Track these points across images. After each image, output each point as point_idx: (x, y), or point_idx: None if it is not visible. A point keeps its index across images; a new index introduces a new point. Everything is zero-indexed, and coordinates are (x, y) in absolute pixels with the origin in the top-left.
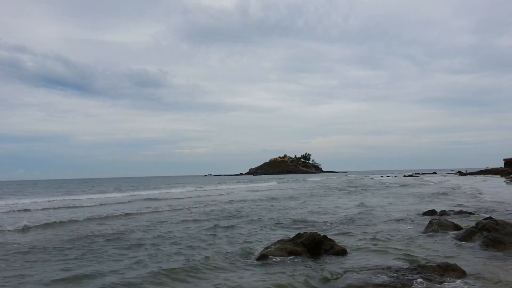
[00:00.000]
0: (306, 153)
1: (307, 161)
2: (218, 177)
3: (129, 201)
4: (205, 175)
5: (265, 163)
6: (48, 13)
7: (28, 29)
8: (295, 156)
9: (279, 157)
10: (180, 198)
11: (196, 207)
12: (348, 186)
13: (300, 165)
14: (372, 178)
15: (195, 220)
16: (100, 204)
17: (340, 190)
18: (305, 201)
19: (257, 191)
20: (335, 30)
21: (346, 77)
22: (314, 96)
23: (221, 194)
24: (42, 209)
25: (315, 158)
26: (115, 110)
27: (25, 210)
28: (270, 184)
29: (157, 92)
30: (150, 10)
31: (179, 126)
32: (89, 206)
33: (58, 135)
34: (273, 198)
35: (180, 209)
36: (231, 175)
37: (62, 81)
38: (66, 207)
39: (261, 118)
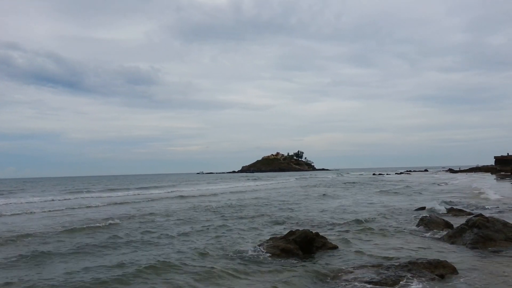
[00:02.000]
0: (298, 151)
1: (300, 159)
2: (215, 175)
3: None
4: (198, 173)
5: (258, 161)
6: (39, 10)
7: (19, 26)
8: (288, 153)
9: (272, 154)
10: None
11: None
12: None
13: (293, 162)
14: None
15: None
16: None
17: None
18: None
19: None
20: (328, 28)
21: (339, 75)
22: (307, 94)
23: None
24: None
25: (307, 156)
26: (107, 108)
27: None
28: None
29: (149, 90)
30: (142, 7)
31: (171, 123)
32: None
33: (49, 133)
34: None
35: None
36: (224, 172)
37: (53, 78)
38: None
39: (254, 115)
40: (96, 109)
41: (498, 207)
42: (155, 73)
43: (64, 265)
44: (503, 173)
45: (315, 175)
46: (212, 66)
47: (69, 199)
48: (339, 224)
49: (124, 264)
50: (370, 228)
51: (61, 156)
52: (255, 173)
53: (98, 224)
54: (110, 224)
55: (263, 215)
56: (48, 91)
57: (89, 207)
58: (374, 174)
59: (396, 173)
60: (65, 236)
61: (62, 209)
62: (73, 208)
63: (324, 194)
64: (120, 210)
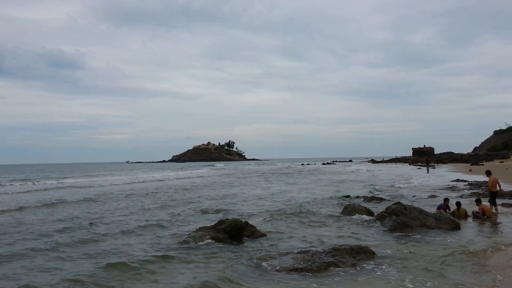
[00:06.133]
0: (230, 141)
1: (231, 149)
2: (145, 164)
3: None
4: (126, 162)
5: (188, 151)
6: None
7: None
8: (219, 143)
9: (203, 144)
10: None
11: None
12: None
13: (224, 152)
14: (315, 164)
15: None
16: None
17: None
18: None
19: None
20: (260, 19)
21: (270, 66)
22: (238, 84)
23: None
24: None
25: (238, 146)
26: (26, 92)
27: None
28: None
29: (74, 75)
30: None
31: (97, 111)
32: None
33: None
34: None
35: None
36: (154, 162)
37: None
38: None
39: (185, 105)
40: (14, 93)
41: (414, 195)
42: (80, 57)
43: None
44: (419, 163)
45: (248, 164)
46: (141, 52)
47: None
48: (269, 213)
49: None
50: (297, 216)
51: None
52: (186, 162)
53: None
54: None
55: (192, 202)
56: None
57: None
58: (302, 164)
59: (322, 164)
60: None
61: None
62: None
63: (256, 186)
64: None
